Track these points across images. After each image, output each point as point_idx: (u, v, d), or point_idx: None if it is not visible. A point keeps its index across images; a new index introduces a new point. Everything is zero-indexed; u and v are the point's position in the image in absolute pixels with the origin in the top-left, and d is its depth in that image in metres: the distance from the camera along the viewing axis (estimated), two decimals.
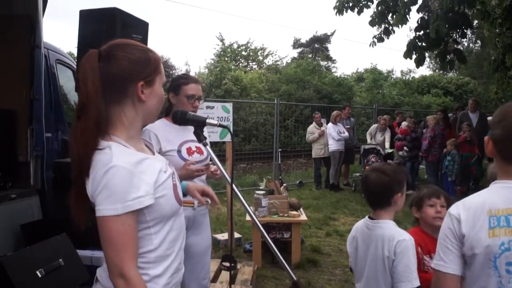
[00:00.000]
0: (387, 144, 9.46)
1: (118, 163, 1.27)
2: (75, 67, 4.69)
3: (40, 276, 2.66)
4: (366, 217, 2.11)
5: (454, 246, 1.44)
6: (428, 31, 7.04)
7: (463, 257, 1.43)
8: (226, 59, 22.24)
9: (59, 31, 43.15)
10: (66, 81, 4.95)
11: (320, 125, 9.40)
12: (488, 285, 1.37)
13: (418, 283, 1.85)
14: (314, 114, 9.82)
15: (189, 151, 2.56)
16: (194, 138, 1.89)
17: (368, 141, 9.77)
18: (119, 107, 1.38)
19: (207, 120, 1.82)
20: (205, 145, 1.85)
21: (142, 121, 1.45)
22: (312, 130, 9.41)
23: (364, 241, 2.06)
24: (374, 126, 10.03)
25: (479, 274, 1.39)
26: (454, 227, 1.43)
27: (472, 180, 8.49)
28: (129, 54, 1.36)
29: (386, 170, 2.04)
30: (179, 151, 2.53)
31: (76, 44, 3.12)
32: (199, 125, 1.84)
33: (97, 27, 3.01)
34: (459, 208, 1.45)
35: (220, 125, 1.82)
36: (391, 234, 1.95)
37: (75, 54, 3.39)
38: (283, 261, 1.73)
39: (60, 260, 2.87)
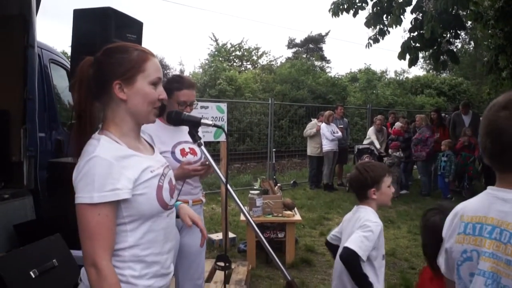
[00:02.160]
0: (383, 145, 9.48)
1: (100, 154, 1.32)
2: (68, 66, 4.67)
3: (33, 276, 2.65)
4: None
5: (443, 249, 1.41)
6: (422, 31, 7.09)
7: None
8: (220, 59, 22.21)
9: (53, 30, 42.92)
10: (60, 80, 4.93)
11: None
12: None
13: (363, 256, 2.05)
14: (321, 113, 9.73)
15: (183, 153, 2.55)
16: (188, 139, 1.89)
17: (376, 144, 9.61)
18: (109, 107, 1.45)
19: (202, 120, 1.82)
20: (199, 145, 1.85)
21: (134, 120, 1.46)
22: (313, 125, 9.41)
23: (348, 221, 2.36)
24: (371, 128, 9.96)
25: (453, 281, 1.35)
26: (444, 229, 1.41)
27: (467, 180, 8.61)
28: (109, 57, 1.43)
29: (362, 168, 2.32)
30: (173, 153, 2.52)
31: (69, 43, 3.11)
32: (193, 125, 1.84)
33: (91, 26, 2.99)
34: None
35: (214, 125, 1.83)
36: (363, 216, 2.22)
37: (69, 53, 3.39)
38: (278, 260, 1.73)
39: (54, 260, 2.85)
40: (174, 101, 2.52)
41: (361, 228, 2.14)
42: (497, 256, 1.20)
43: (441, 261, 1.43)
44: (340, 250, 2.19)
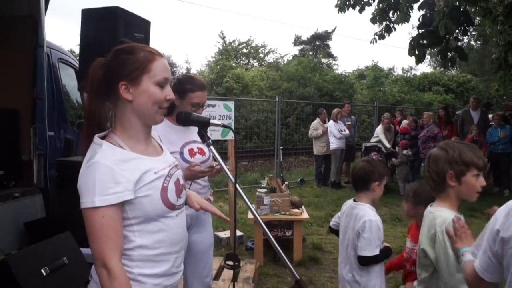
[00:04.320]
0: (390, 143, 9.45)
1: (100, 159, 1.35)
2: (77, 65, 4.71)
3: (44, 274, 2.68)
4: (352, 199, 2.67)
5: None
6: (430, 28, 7.04)
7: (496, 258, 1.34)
8: (227, 57, 22.20)
9: (60, 29, 43.15)
10: (68, 79, 4.96)
11: (324, 122, 9.40)
12: None
13: (377, 252, 2.45)
14: (319, 110, 9.76)
15: (191, 153, 2.55)
16: (196, 138, 1.89)
17: (385, 143, 9.54)
18: (117, 108, 1.47)
19: (211, 121, 1.82)
20: (208, 145, 1.86)
21: (140, 120, 1.48)
22: (316, 126, 9.40)
23: (347, 216, 2.63)
24: (379, 127, 9.90)
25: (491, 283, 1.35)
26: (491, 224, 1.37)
27: None
28: (116, 58, 1.46)
29: (372, 162, 2.69)
30: (181, 153, 2.52)
31: (77, 42, 3.14)
32: (203, 125, 1.84)
33: (99, 26, 3.02)
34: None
35: (223, 126, 1.84)
36: (362, 214, 2.49)
37: (77, 52, 3.43)
38: (285, 258, 1.74)
39: (64, 258, 2.89)
40: (187, 103, 2.52)
41: (364, 231, 2.45)
42: None
43: (478, 262, 1.43)
44: (346, 252, 2.59)
